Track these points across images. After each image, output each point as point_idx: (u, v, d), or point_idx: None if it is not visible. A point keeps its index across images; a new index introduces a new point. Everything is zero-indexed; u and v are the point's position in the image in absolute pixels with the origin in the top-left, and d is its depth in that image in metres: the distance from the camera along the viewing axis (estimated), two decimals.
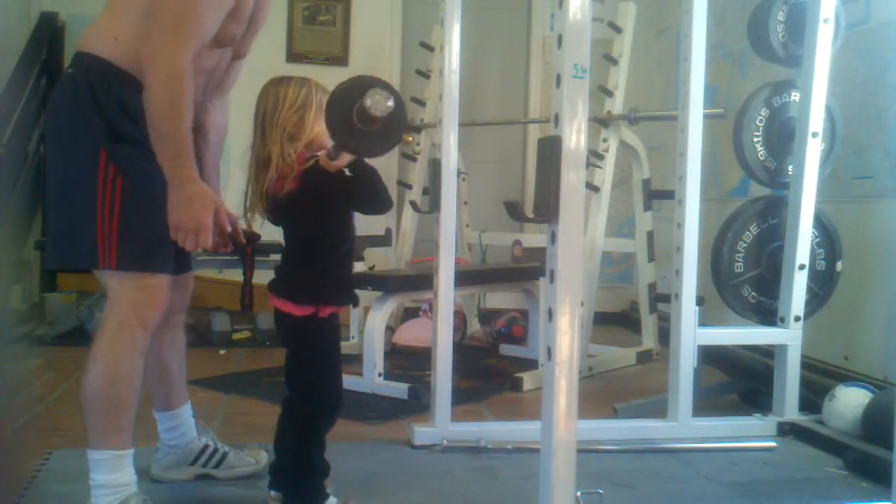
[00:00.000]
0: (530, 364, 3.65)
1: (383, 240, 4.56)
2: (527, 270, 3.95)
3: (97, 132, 1.74)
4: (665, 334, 3.07)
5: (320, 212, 1.83)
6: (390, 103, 1.61)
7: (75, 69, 1.81)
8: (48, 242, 1.88)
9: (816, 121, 2.78)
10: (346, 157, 1.77)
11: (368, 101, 1.58)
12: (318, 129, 1.84)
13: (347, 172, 1.81)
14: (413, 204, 4.42)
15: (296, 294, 1.84)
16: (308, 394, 1.88)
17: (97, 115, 1.74)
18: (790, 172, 2.91)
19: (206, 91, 1.96)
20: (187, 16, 1.71)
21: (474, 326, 4.61)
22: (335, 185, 1.80)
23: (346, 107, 1.62)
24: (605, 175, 3.78)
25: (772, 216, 2.99)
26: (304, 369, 1.90)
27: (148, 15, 1.73)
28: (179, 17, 1.71)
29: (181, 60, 1.69)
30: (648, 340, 4.13)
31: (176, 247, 1.90)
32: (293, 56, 5.08)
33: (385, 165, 5.03)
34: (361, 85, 1.62)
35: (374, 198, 1.85)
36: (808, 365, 2.96)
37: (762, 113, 3.00)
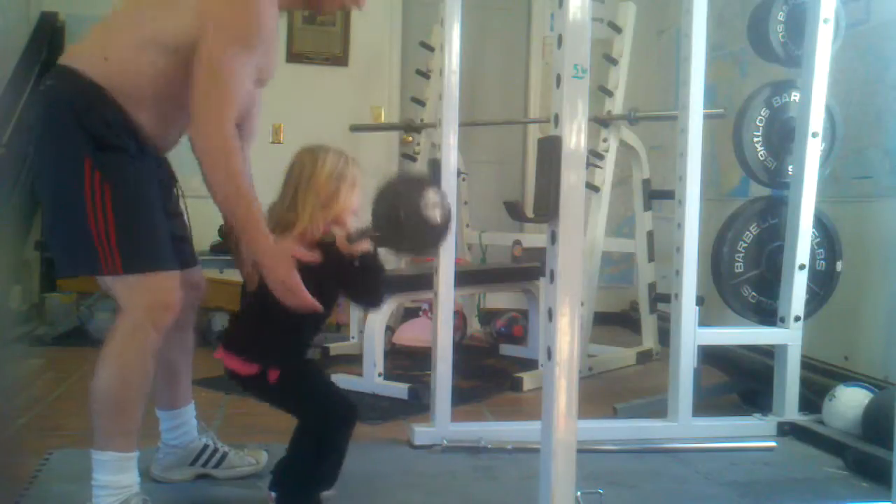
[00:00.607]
0: (530, 364, 3.66)
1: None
2: (527, 270, 3.95)
3: (79, 142, 1.73)
4: (665, 334, 3.07)
5: (318, 285, 1.79)
6: (442, 212, 1.61)
7: (56, 82, 1.80)
8: (53, 254, 1.88)
9: (816, 121, 2.78)
10: (364, 245, 1.79)
11: (424, 202, 1.58)
12: (349, 203, 1.84)
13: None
14: None
15: (247, 352, 1.83)
16: (315, 421, 1.87)
17: (78, 127, 1.74)
18: (790, 172, 2.91)
19: (184, 128, 1.95)
20: (224, 87, 1.73)
21: (474, 326, 4.61)
22: (343, 269, 1.80)
23: (396, 200, 1.62)
24: (605, 175, 3.78)
25: (772, 216, 2.99)
26: (295, 411, 1.89)
27: (148, 48, 1.75)
28: (216, 89, 1.72)
29: (227, 130, 1.72)
30: (648, 340, 4.13)
31: (177, 241, 1.91)
32: (293, 56, 5.08)
33: (385, 165, 5.04)
34: (419, 183, 1.62)
35: (372, 294, 1.86)
36: (808, 365, 2.96)
37: (762, 113, 3.00)
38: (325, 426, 1.88)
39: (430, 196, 1.61)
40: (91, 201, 1.73)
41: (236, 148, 1.74)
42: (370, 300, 1.85)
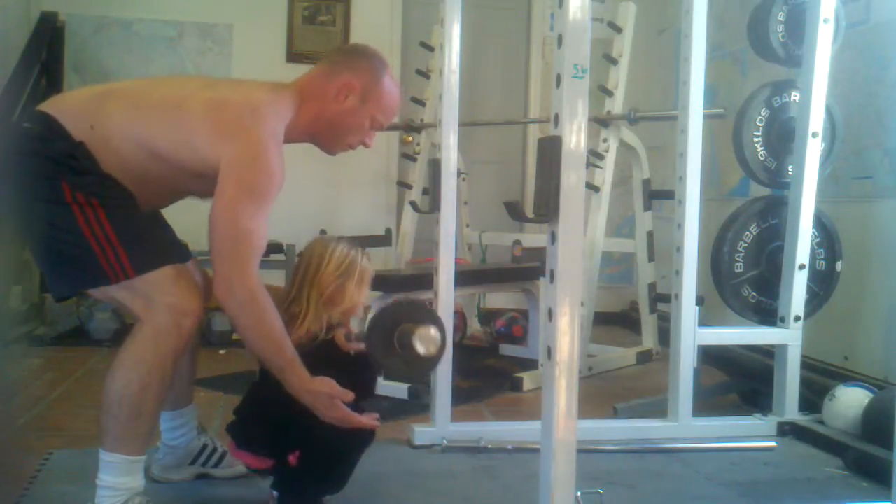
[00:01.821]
0: (530, 364, 3.65)
1: (383, 240, 4.56)
2: (527, 270, 3.95)
3: (55, 173, 1.72)
4: (665, 334, 3.07)
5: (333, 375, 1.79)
6: (434, 348, 1.62)
7: (35, 126, 1.78)
8: (50, 283, 1.84)
9: (816, 121, 2.78)
10: (361, 345, 1.80)
11: (418, 338, 1.59)
12: (357, 299, 1.85)
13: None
14: (413, 204, 4.42)
15: (257, 446, 1.85)
16: (335, 441, 1.84)
17: (53, 161, 1.73)
18: (790, 172, 2.91)
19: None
20: (246, 246, 1.73)
21: (474, 326, 4.61)
22: (339, 366, 1.80)
23: (391, 326, 1.63)
24: (605, 175, 3.78)
25: (772, 216, 2.99)
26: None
27: (142, 148, 1.76)
28: (238, 249, 1.73)
29: (251, 283, 1.72)
30: (648, 340, 4.13)
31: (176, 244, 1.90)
32: (293, 56, 5.08)
33: (385, 165, 5.04)
34: (416, 313, 1.63)
35: (363, 391, 1.84)
36: (808, 365, 2.96)
37: (762, 113, 3.00)
38: (343, 447, 1.86)
39: (424, 330, 1.62)
40: (83, 216, 1.72)
41: (263, 300, 1.73)
42: (362, 394, 1.84)
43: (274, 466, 1.86)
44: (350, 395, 1.74)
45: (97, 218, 1.72)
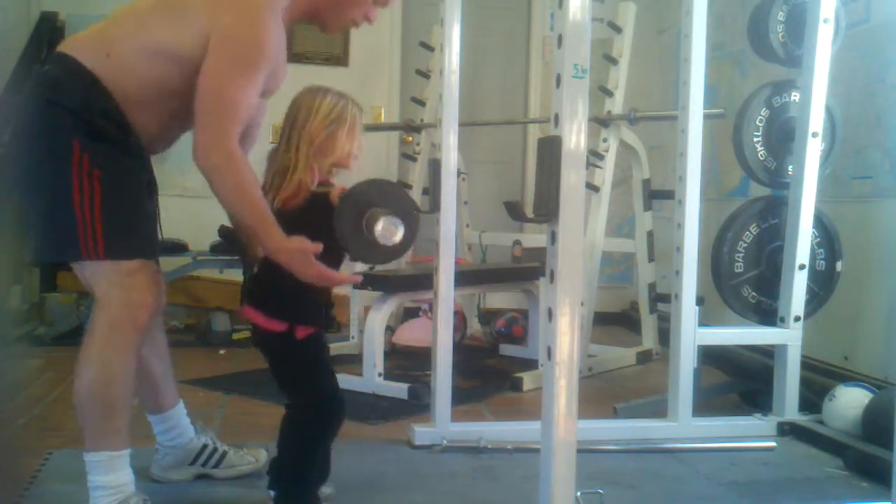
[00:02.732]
0: (530, 364, 3.65)
1: None
2: (527, 270, 3.95)
3: (70, 127, 1.72)
4: (665, 334, 3.07)
5: (315, 237, 1.74)
6: (398, 238, 1.60)
7: (53, 68, 1.79)
8: (32, 240, 1.85)
9: (816, 121, 2.78)
10: None
11: (379, 228, 1.57)
12: (347, 148, 1.81)
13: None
14: None
15: (268, 308, 1.80)
16: (306, 406, 1.85)
17: (70, 111, 1.73)
18: (790, 172, 2.91)
19: (177, 133, 1.96)
20: (226, 108, 1.72)
21: (474, 326, 4.61)
22: (329, 222, 1.75)
23: (363, 206, 1.61)
24: (605, 175, 3.78)
25: (772, 216, 2.99)
26: (290, 386, 1.86)
27: (154, 55, 1.75)
28: (218, 109, 1.72)
29: (228, 144, 1.70)
30: (648, 340, 4.13)
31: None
32: (293, 56, 5.05)
33: (385, 165, 5.04)
34: (390, 198, 1.60)
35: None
36: (808, 365, 2.96)
37: (762, 113, 3.00)
38: (316, 411, 1.84)
39: (386, 221, 1.60)
40: (79, 184, 1.71)
41: (241, 161, 1.72)
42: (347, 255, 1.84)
43: (278, 337, 1.79)
44: (319, 247, 1.69)
45: (91, 192, 1.72)
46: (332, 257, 1.76)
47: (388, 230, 1.59)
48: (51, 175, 1.75)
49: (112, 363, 1.75)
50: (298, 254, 1.70)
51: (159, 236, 2.00)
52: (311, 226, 1.73)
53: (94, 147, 1.74)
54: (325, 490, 1.97)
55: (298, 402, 1.86)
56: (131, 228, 1.79)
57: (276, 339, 1.80)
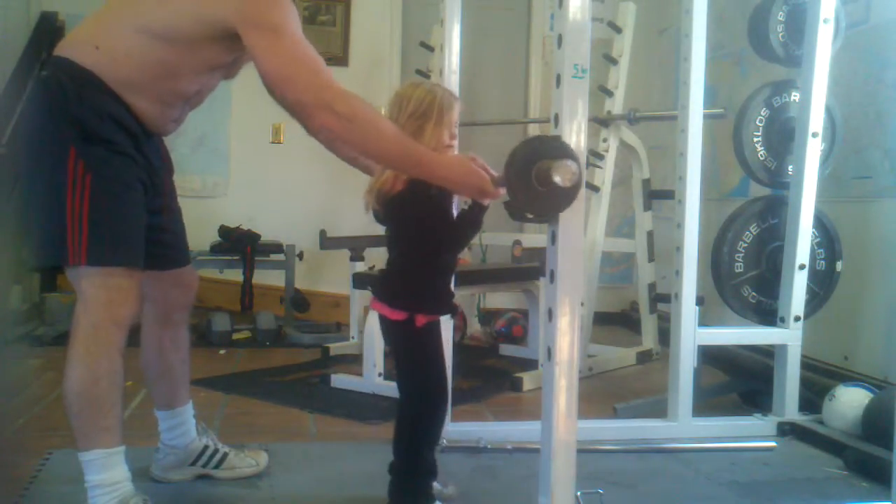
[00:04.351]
0: (530, 364, 3.65)
1: (383, 240, 4.55)
2: (527, 270, 3.95)
3: (67, 131, 1.74)
4: (665, 334, 3.07)
5: (420, 220, 1.85)
6: (574, 177, 1.59)
7: (50, 72, 1.80)
8: (28, 245, 1.89)
9: (816, 121, 2.78)
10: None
11: (554, 174, 1.57)
12: (436, 139, 1.85)
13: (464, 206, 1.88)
14: None
15: (392, 299, 1.89)
16: (411, 394, 1.92)
17: (66, 116, 1.74)
18: (790, 172, 2.91)
19: (184, 110, 1.96)
20: (312, 72, 1.71)
21: (474, 326, 4.61)
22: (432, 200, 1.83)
23: (527, 164, 1.59)
24: (605, 175, 3.79)
25: (772, 216, 2.99)
26: (405, 371, 1.93)
27: (148, 38, 1.75)
28: (309, 78, 1.71)
29: (344, 94, 1.69)
30: (648, 340, 4.13)
31: (170, 242, 1.93)
32: None
33: None
34: (552, 149, 1.61)
35: (460, 237, 1.90)
36: (808, 365, 2.96)
37: (762, 113, 3.00)
38: (424, 399, 1.91)
39: (563, 163, 1.59)
40: (71, 190, 1.73)
41: (366, 105, 1.70)
42: (457, 246, 1.95)
43: (402, 325, 1.88)
44: (473, 158, 1.77)
45: (81, 196, 1.73)
46: (433, 238, 1.86)
47: (563, 172, 1.58)
48: (47, 182, 1.77)
49: (97, 362, 1.76)
50: (461, 163, 1.74)
51: (179, 226, 2.05)
52: (411, 210, 1.84)
53: (90, 151, 1.75)
54: (448, 490, 2.03)
55: (406, 391, 1.92)
56: (116, 234, 1.78)
57: (398, 327, 1.89)
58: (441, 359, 1.95)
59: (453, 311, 1.98)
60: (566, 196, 1.58)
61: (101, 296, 1.76)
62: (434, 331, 1.92)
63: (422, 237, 1.88)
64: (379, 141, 1.71)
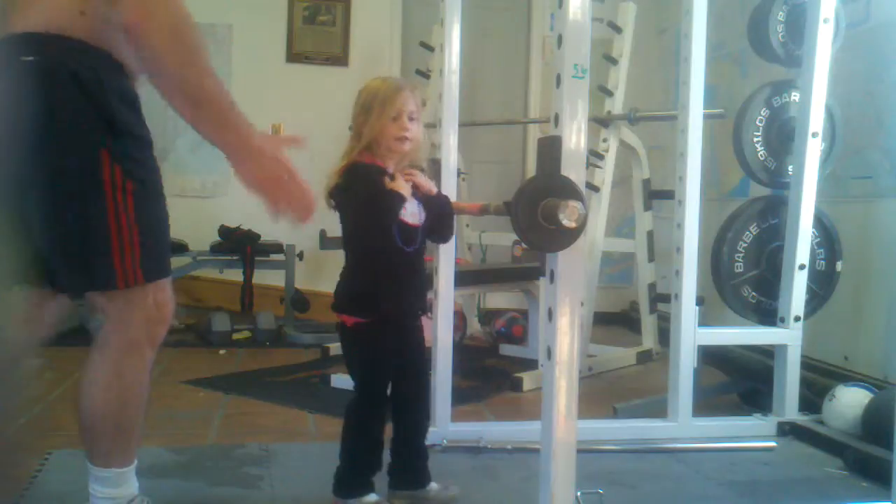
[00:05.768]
0: (530, 364, 3.65)
1: None
2: (527, 270, 3.94)
3: (93, 128, 1.46)
4: (665, 334, 3.07)
5: (345, 214, 1.92)
6: (579, 217, 1.59)
7: (42, 56, 1.43)
8: (59, 272, 1.57)
9: (816, 121, 2.78)
10: (404, 186, 1.86)
11: (560, 213, 1.57)
12: (379, 128, 1.87)
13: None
14: None
15: (336, 298, 1.95)
16: (355, 387, 1.98)
17: (88, 108, 1.45)
18: (790, 172, 2.91)
19: None
20: None
21: (474, 326, 4.61)
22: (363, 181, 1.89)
23: (534, 201, 1.60)
24: (605, 175, 3.78)
25: (772, 216, 2.99)
26: (348, 367, 2.01)
27: None
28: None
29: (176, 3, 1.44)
30: (648, 340, 4.13)
31: None
32: (293, 56, 5.08)
33: None
34: (560, 187, 1.62)
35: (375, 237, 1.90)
36: (808, 365, 2.96)
37: (762, 113, 3.00)
38: (357, 397, 1.96)
39: (568, 204, 1.60)
40: (113, 205, 1.49)
41: (193, 27, 1.49)
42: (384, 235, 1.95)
43: (340, 327, 1.95)
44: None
45: (125, 209, 1.50)
46: (355, 234, 1.93)
47: (569, 212, 1.58)
48: (77, 192, 1.49)
49: (129, 386, 1.64)
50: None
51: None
52: (338, 206, 1.91)
53: (124, 149, 1.50)
54: (448, 490, 2.06)
55: (354, 383, 1.99)
56: (163, 243, 1.63)
57: (338, 329, 1.98)
58: (379, 364, 1.94)
59: (395, 316, 1.95)
60: (570, 236, 1.60)
61: (142, 315, 1.61)
62: (370, 333, 1.91)
63: (348, 233, 1.94)
64: (194, 60, 1.45)
